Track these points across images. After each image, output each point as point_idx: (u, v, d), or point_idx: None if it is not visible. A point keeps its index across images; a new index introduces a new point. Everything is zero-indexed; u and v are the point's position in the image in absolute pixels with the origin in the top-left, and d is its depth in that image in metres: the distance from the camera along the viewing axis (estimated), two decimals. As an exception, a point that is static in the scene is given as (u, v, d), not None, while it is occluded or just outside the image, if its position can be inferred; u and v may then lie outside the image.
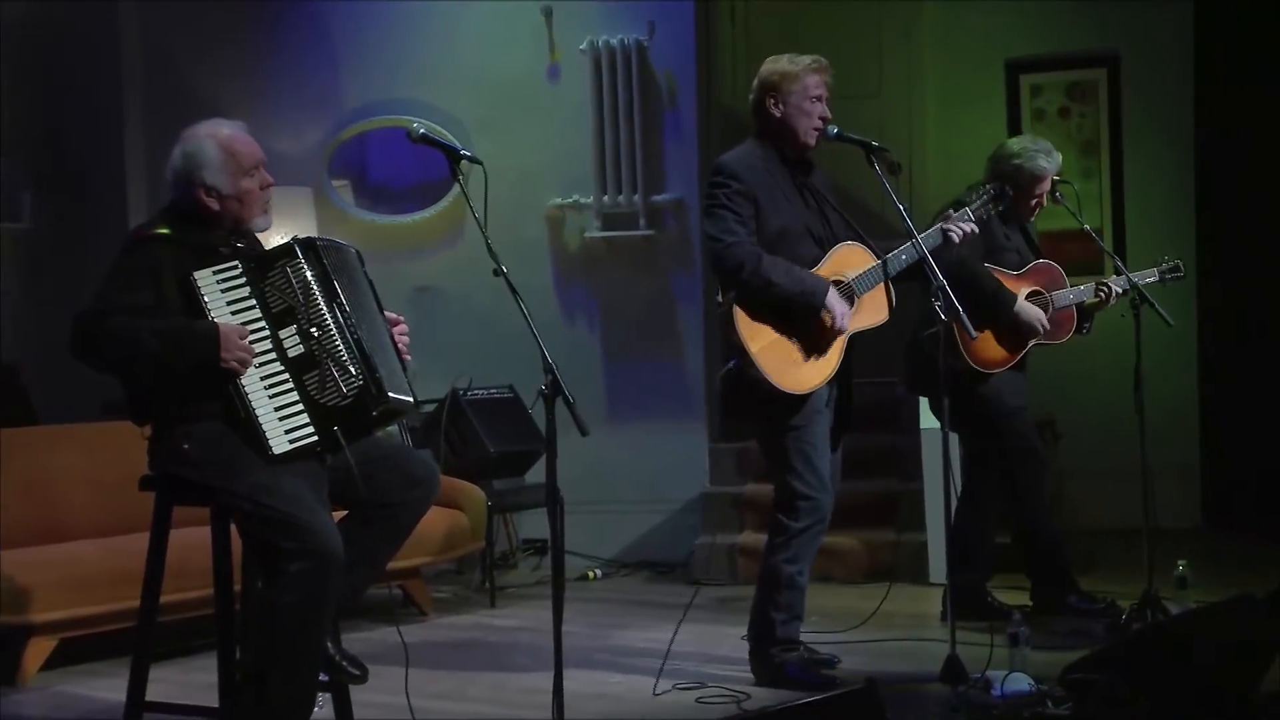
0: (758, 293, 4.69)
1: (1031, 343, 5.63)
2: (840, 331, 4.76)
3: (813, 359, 4.76)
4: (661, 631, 5.78)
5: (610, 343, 7.91)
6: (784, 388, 4.70)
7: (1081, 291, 5.74)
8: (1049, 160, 5.68)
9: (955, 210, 5.23)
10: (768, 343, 4.70)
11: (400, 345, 4.28)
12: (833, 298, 4.73)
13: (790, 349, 4.73)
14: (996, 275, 5.58)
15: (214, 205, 4.08)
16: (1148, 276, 5.77)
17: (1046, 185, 5.71)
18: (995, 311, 5.47)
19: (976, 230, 5.07)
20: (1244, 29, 7.99)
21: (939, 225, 4.97)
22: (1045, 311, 5.63)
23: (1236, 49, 8.06)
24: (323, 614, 3.90)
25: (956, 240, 4.95)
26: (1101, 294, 5.71)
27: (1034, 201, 5.72)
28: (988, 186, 5.27)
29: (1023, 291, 5.63)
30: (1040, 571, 5.75)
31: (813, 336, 4.76)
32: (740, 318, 4.69)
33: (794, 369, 4.72)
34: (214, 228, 4.10)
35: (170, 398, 3.95)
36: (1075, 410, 7.71)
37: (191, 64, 8.21)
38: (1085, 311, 5.80)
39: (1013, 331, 5.57)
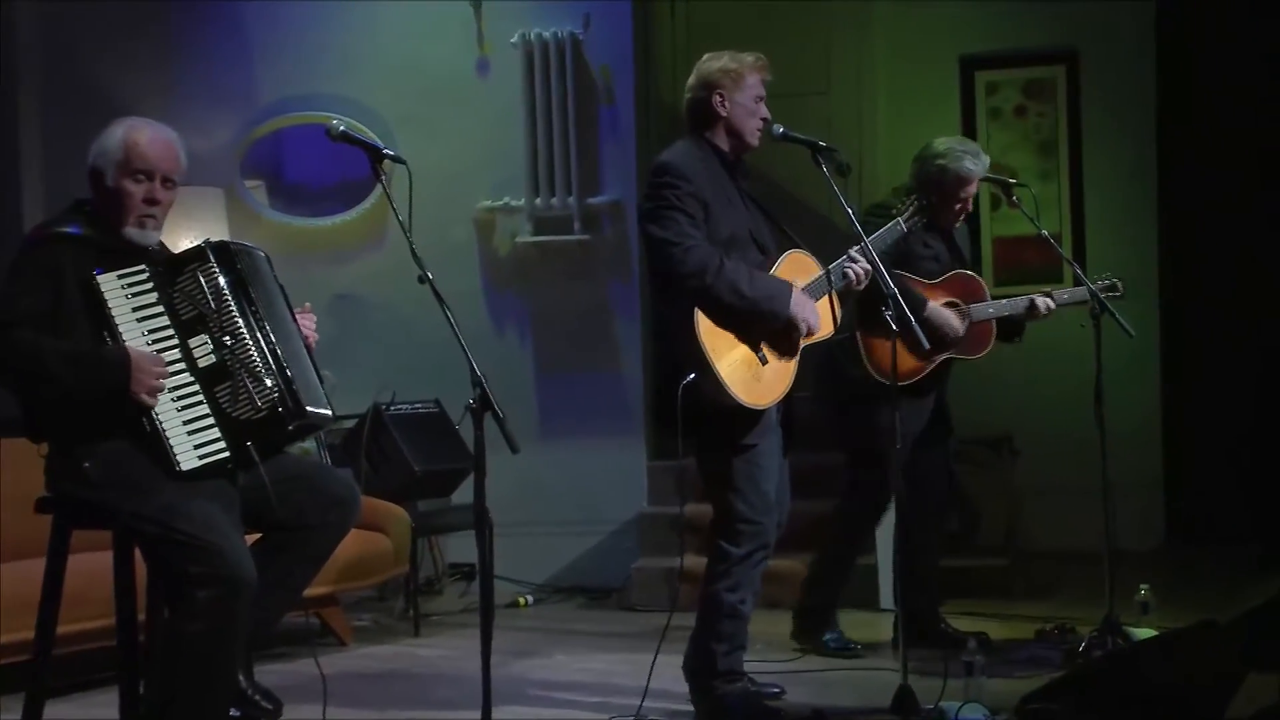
0: (720, 299, 4.64)
1: (942, 356, 5.63)
2: (811, 333, 4.77)
3: (771, 371, 4.75)
4: (596, 661, 5.77)
5: (543, 354, 7.91)
6: (747, 401, 4.67)
7: (1004, 305, 5.74)
8: (975, 162, 5.69)
9: (877, 212, 5.35)
10: (729, 353, 4.67)
11: (306, 332, 4.27)
12: (798, 302, 4.73)
13: (751, 360, 4.71)
14: (908, 281, 5.59)
15: (98, 194, 4.07)
16: (1079, 296, 5.78)
17: (973, 189, 5.72)
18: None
19: (868, 270, 4.94)
20: (1207, 24, 8.08)
21: (842, 260, 4.94)
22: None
23: (1200, 45, 8.16)
24: (233, 644, 3.87)
25: (853, 280, 4.91)
26: (1042, 308, 5.72)
27: (958, 206, 5.71)
28: (913, 198, 5.28)
29: (940, 301, 5.64)
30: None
31: (772, 347, 4.76)
32: (702, 327, 4.64)
33: (755, 382, 4.71)
34: (120, 226, 4.08)
35: (72, 415, 3.92)
36: (1032, 426, 7.76)
37: (93, 57, 8.13)
38: (1018, 323, 5.82)
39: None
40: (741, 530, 4.78)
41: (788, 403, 4.95)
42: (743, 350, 4.70)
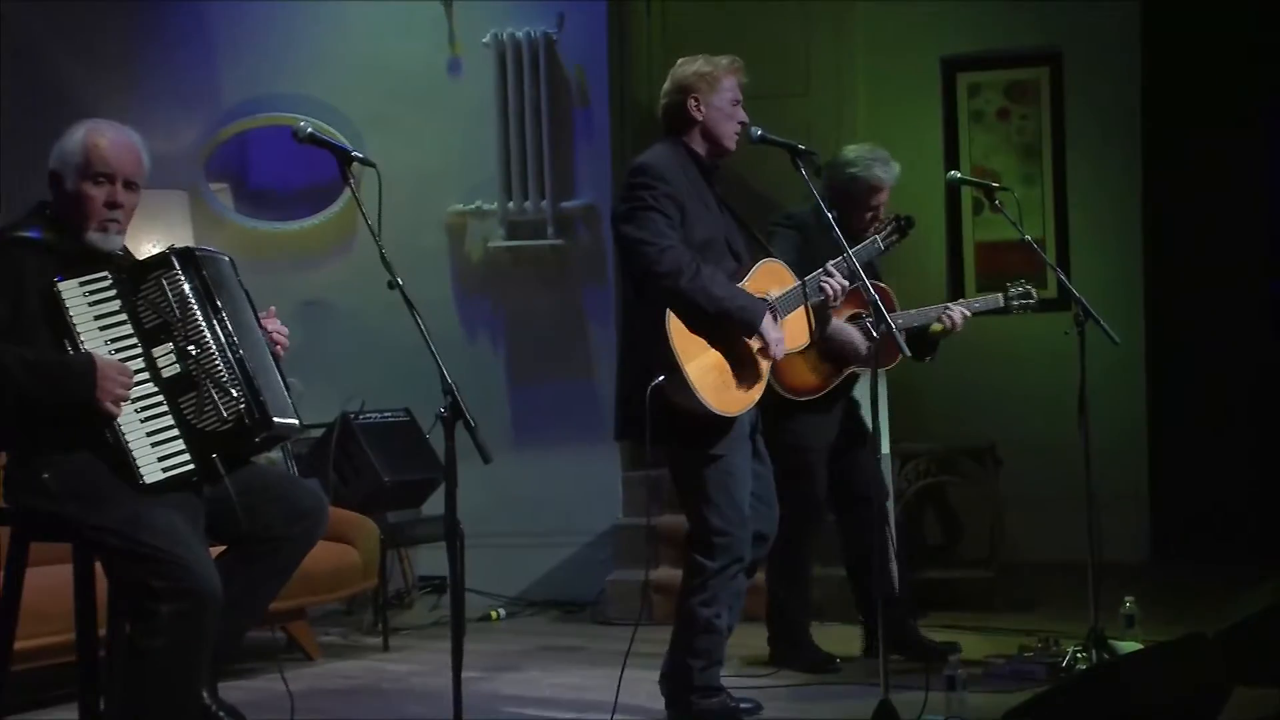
0: (694, 303, 4.64)
1: (847, 370, 5.64)
2: (773, 359, 4.78)
3: (743, 379, 4.75)
4: (570, 676, 5.77)
5: (515, 362, 7.90)
6: (715, 407, 4.67)
7: (912, 316, 5.74)
8: (885, 170, 5.71)
9: (786, 224, 5.44)
10: (701, 358, 4.67)
11: (277, 337, 4.27)
12: (768, 324, 4.74)
13: (723, 367, 4.71)
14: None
15: (58, 199, 4.06)
16: (991, 304, 5.81)
17: (884, 197, 5.73)
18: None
19: (844, 285, 4.97)
20: (1193, 24, 8.12)
21: (818, 273, 4.95)
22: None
23: (1185, 45, 8.19)
24: (198, 660, 3.86)
25: (829, 294, 4.94)
26: (946, 321, 5.71)
27: (869, 214, 5.71)
28: (894, 216, 5.32)
29: (843, 315, 5.63)
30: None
31: (745, 355, 4.76)
32: (675, 329, 4.64)
33: (726, 390, 4.71)
34: (83, 231, 4.06)
35: (31, 425, 3.90)
36: (1016, 435, 7.78)
37: (53, 56, 8.10)
38: (932, 339, 5.81)
39: (826, 354, 5.60)
40: (716, 543, 4.78)
41: (761, 412, 4.96)
42: (714, 355, 4.70)
